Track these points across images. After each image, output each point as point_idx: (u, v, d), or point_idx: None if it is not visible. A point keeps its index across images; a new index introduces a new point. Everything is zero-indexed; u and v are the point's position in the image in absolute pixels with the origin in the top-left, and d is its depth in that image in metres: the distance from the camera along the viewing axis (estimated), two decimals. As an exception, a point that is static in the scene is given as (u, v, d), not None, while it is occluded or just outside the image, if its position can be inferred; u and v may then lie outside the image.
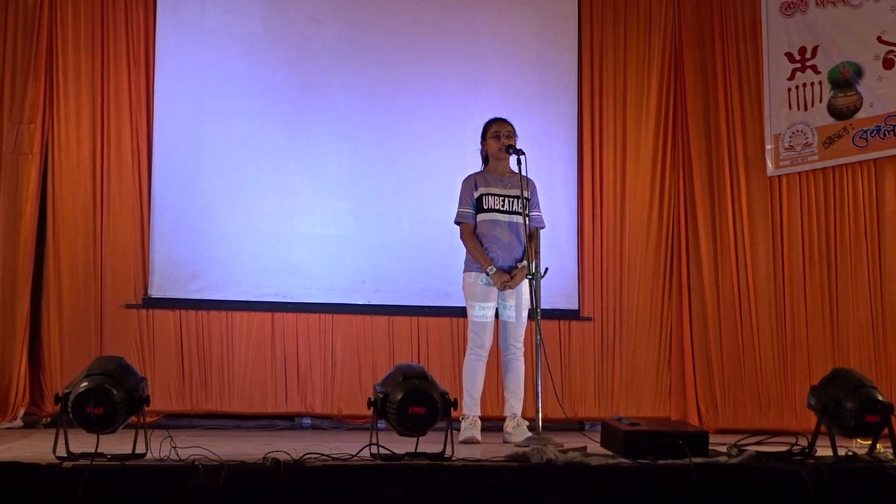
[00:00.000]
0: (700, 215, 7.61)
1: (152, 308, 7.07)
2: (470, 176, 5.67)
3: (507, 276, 5.42)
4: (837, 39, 7.09)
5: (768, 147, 7.39)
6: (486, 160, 5.72)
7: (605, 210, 7.66)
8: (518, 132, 5.74)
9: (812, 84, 7.16)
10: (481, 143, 5.75)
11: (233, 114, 7.32)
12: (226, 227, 7.22)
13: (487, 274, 5.42)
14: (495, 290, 5.55)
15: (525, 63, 7.71)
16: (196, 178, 7.24)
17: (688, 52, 7.77)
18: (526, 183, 5.35)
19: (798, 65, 7.27)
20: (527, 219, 5.32)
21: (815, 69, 7.17)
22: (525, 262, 5.32)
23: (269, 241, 7.27)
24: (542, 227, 5.65)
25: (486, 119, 5.83)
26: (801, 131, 7.23)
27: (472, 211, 5.58)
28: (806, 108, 7.19)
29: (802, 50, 7.27)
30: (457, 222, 5.65)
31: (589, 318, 7.57)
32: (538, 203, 5.68)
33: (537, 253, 5.24)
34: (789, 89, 7.29)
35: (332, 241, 7.35)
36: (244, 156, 7.33)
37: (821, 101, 7.13)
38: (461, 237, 5.63)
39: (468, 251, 5.59)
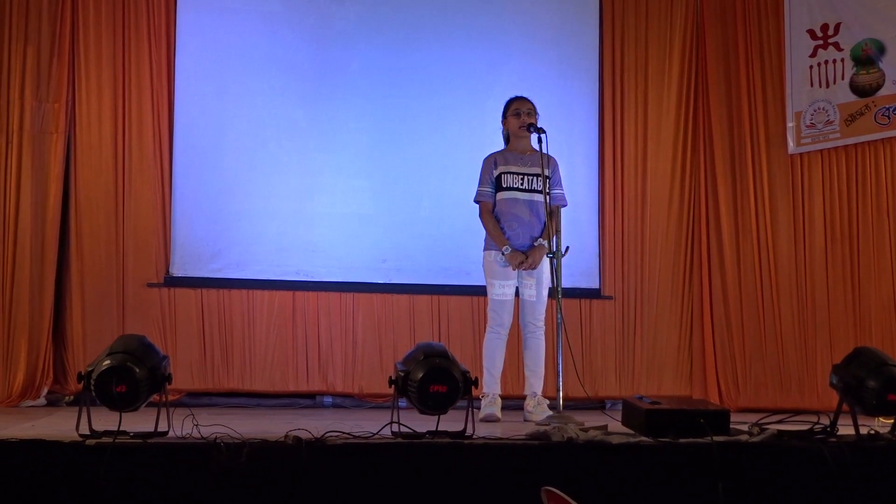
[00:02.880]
0: (721, 194, 7.54)
1: (174, 287, 7.03)
2: (490, 155, 5.59)
3: (521, 257, 5.33)
4: (860, 16, 6.98)
5: (790, 125, 7.30)
6: (507, 139, 5.65)
7: (627, 188, 7.58)
8: (539, 110, 5.65)
9: (834, 61, 7.06)
10: (502, 121, 5.67)
11: (253, 93, 7.26)
12: (246, 206, 7.16)
13: (503, 254, 5.34)
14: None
15: (547, 41, 7.64)
16: (217, 157, 7.17)
17: (709, 29, 7.68)
18: (546, 161, 5.26)
19: (820, 42, 7.17)
20: (547, 197, 5.24)
21: (837, 46, 7.07)
22: (543, 240, 5.28)
23: (290, 220, 7.21)
24: (564, 206, 5.58)
25: (507, 98, 5.75)
26: (823, 109, 7.14)
27: (490, 189, 5.52)
28: (828, 86, 7.09)
29: (825, 27, 7.16)
30: (476, 201, 5.58)
31: (610, 297, 7.50)
32: (560, 181, 5.60)
33: (558, 231, 5.19)
34: (811, 66, 7.19)
35: (352, 219, 7.29)
36: (265, 135, 7.25)
37: (843, 78, 7.03)
38: (479, 216, 5.57)
39: (486, 230, 5.52)
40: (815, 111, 7.18)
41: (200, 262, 7.06)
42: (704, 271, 7.53)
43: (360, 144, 7.36)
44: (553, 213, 5.29)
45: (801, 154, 7.27)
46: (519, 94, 5.65)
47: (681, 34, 7.69)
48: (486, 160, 5.57)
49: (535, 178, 5.46)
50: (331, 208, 7.31)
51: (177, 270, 7.07)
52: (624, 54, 7.65)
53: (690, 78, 7.65)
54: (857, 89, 6.98)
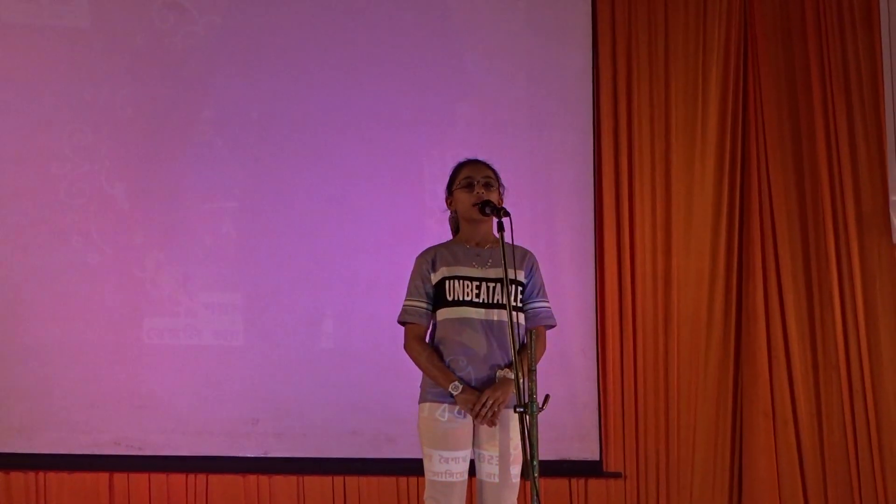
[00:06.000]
0: (790, 306, 6.18)
1: None
2: (427, 250, 4.66)
3: (476, 397, 4.40)
4: None
5: (893, 198, 6.01)
6: (455, 227, 4.74)
7: (640, 299, 6.20)
8: (504, 180, 4.69)
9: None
10: (446, 199, 4.74)
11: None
12: (25, 340, 5.92)
13: (451, 395, 4.40)
14: (467, 430, 4.46)
15: (514, 74, 6.32)
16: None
17: (764, 51, 6.36)
18: (519, 257, 4.55)
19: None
20: (518, 315, 4.50)
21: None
22: (509, 372, 4.40)
23: (104, 359, 5.90)
24: (552, 326, 4.66)
25: (456, 162, 4.77)
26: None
27: (425, 306, 4.59)
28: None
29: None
30: (400, 322, 4.65)
31: (617, 474, 6.09)
32: (542, 288, 4.65)
33: (532, 370, 4.05)
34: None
35: (204, 355, 5.98)
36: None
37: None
38: (405, 347, 4.60)
39: (419, 367, 4.56)
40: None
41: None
42: (762, 427, 6.17)
43: (220, 234, 6.04)
44: (531, 340, 4.21)
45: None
46: (472, 157, 4.75)
47: (720, 57, 6.32)
48: (419, 258, 4.69)
49: (497, 284, 4.56)
50: (169, 339, 5.94)
51: None
52: (631, 92, 6.29)
53: (737, 122, 6.36)
54: None
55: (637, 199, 6.16)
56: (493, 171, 4.59)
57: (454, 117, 6.03)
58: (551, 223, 6.02)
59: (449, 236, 4.72)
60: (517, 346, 4.22)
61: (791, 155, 6.19)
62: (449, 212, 4.70)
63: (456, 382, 4.34)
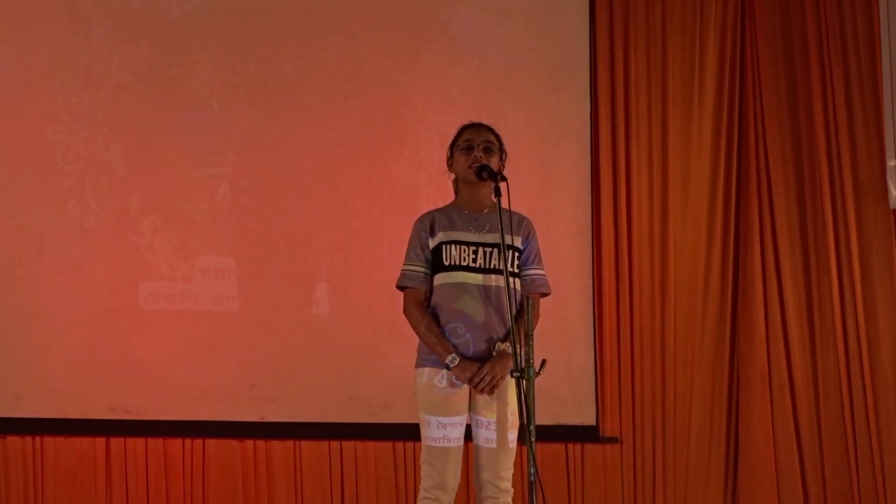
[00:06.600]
0: (786, 271, 6.19)
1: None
2: (425, 215, 4.64)
3: (475, 369, 4.34)
4: None
5: (890, 164, 6.03)
6: (457, 189, 4.70)
7: (637, 264, 6.19)
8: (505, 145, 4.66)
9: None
10: (447, 161, 4.68)
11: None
12: (20, 304, 5.88)
13: (448, 367, 4.34)
14: (464, 396, 4.46)
15: (511, 40, 6.20)
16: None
17: (761, 14, 6.34)
18: (516, 223, 4.49)
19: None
20: (515, 281, 4.46)
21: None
22: (509, 346, 4.31)
23: (98, 324, 5.87)
24: (546, 294, 4.65)
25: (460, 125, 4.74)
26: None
27: (423, 270, 4.55)
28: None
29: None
30: (399, 287, 4.61)
31: (614, 439, 6.11)
32: (538, 254, 4.63)
33: (528, 335, 4.09)
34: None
35: (201, 321, 5.95)
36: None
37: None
38: (404, 311, 4.55)
39: (417, 334, 4.52)
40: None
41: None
42: (759, 386, 6.17)
43: (214, 202, 5.97)
44: (527, 306, 4.32)
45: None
46: (475, 121, 4.71)
47: (717, 22, 6.29)
48: (417, 223, 4.65)
49: (494, 250, 4.54)
50: (166, 304, 5.93)
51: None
52: (629, 61, 6.29)
53: (734, 88, 6.35)
54: None
55: (634, 165, 6.16)
56: (496, 136, 4.58)
57: (448, 81, 6.01)
58: (548, 190, 5.99)
59: (443, 200, 4.67)
60: (514, 312, 4.22)
61: (788, 122, 6.19)
62: (450, 174, 4.68)
63: (454, 355, 4.36)
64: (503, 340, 4.41)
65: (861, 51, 6.08)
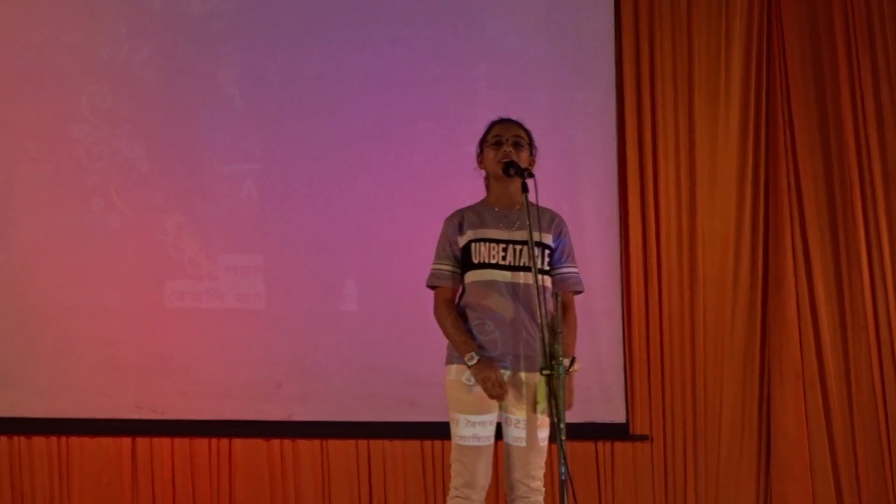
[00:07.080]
0: (816, 265, 6.09)
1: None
2: (455, 213, 4.62)
3: (495, 374, 4.30)
4: None
5: None
6: (488, 186, 4.71)
7: (665, 259, 6.10)
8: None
9: None
10: (477, 157, 4.66)
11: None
12: (41, 301, 5.91)
13: (467, 366, 4.34)
14: None
15: (535, 33, 6.18)
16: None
17: (789, 13, 6.23)
18: (547, 220, 4.48)
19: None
20: (543, 279, 4.37)
21: None
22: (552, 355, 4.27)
23: (121, 320, 5.89)
24: (580, 292, 4.64)
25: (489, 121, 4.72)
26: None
27: (451, 268, 4.54)
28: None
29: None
30: (429, 285, 4.58)
31: (644, 437, 6.04)
32: (571, 252, 4.62)
33: (557, 332, 4.12)
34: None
35: (229, 319, 5.95)
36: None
37: None
38: (434, 311, 4.52)
39: (443, 331, 4.49)
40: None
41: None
42: (792, 384, 6.07)
43: (239, 198, 5.97)
44: (556, 304, 4.31)
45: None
46: (505, 116, 4.70)
47: (743, 12, 6.20)
48: (446, 221, 4.63)
49: (524, 248, 4.50)
50: (191, 302, 5.94)
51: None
52: (654, 54, 6.20)
53: (761, 80, 6.23)
54: None
55: (661, 158, 6.10)
56: (526, 131, 4.57)
57: (474, 78, 6.00)
58: (575, 184, 5.95)
59: (470, 197, 4.65)
60: (543, 310, 4.23)
61: (816, 113, 6.07)
62: (481, 170, 4.67)
63: (472, 353, 4.34)
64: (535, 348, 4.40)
65: (889, 40, 5.95)
